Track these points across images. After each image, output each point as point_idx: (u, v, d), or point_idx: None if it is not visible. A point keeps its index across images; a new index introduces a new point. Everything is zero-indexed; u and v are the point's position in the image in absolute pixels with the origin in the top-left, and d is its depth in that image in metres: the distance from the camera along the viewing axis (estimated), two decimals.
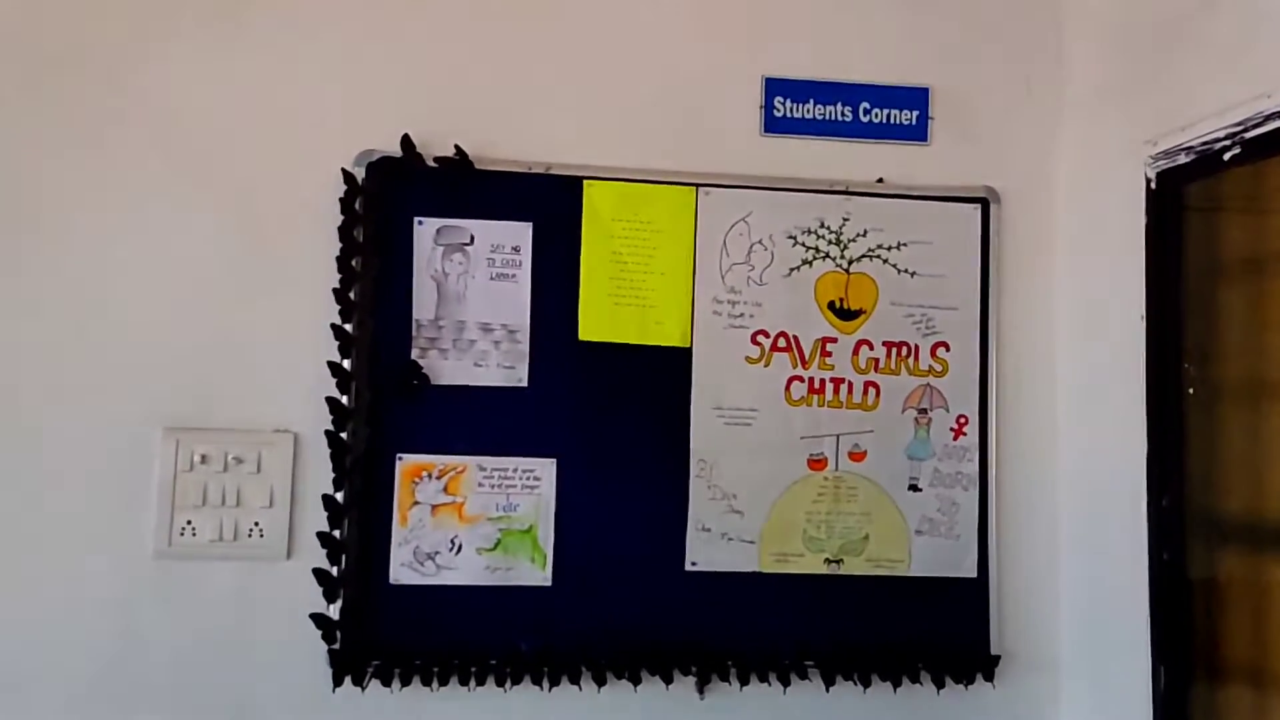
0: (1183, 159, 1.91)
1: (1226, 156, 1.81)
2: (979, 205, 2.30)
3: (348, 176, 2.10)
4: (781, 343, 2.22)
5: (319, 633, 2.03)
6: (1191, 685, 1.92)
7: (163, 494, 2.02)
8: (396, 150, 2.12)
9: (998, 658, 2.22)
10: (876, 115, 2.29)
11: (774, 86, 2.26)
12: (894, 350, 2.25)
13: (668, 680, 2.13)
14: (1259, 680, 1.80)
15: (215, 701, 2.02)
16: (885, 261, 2.27)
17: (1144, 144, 2.00)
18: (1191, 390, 1.93)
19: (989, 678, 2.21)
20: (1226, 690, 1.86)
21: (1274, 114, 1.69)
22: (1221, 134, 1.80)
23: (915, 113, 2.30)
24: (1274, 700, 1.76)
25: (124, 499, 2.01)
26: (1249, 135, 1.75)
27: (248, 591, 2.04)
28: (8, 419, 1.99)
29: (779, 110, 2.27)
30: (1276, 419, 1.78)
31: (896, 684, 2.19)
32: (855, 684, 2.19)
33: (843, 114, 2.28)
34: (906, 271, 2.27)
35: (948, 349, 2.27)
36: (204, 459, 2.04)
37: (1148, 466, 1.98)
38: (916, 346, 2.26)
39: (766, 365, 2.22)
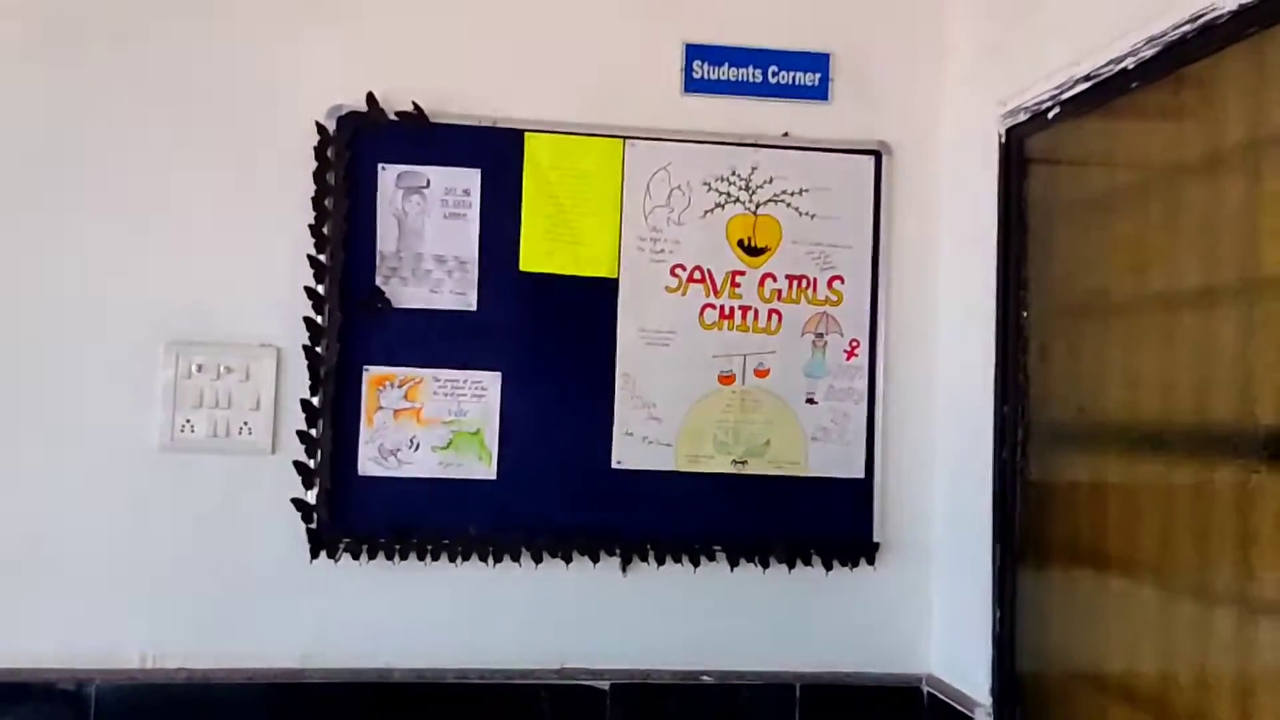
0: (1023, 117, 2.26)
1: (1050, 115, 2.16)
2: (873, 157, 2.64)
3: (320, 128, 2.45)
4: (697, 275, 2.58)
5: (299, 515, 2.42)
6: (1020, 563, 2.29)
7: (166, 398, 2.39)
8: (363, 106, 2.47)
9: (878, 544, 2.60)
10: (783, 77, 2.62)
11: (693, 51, 2.60)
12: (795, 282, 2.61)
13: (595, 560, 2.52)
14: (1075, 558, 2.17)
15: (211, 571, 2.40)
16: (788, 205, 2.62)
17: (997, 105, 2.34)
18: (1026, 314, 2.28)
19: (870, 561, 2.59)
20: (1049, 567, 2.23)
21: (1083, 78, 2.03)
22: (1046, 96, 2.15)
23: (817, 75, 2.64)
24: (1084, 573, 2.13)
25: (134, 402, 2.39)
26: (1064, 97, 2.09)
27: (238, 480, 2.42)
28: (40, 336, 2.37)
29: (697, 73, 2.61)
30: (1096, 338, 2.13)
31: (791, 566, 2.57)
32: (756, 565, 2.57)
33: (753, 76, 2.62)
34: (807, 214, 2.62)
35: (843, 282, 2.63)
36: (200, 368, 2.41)
37: (993, 380, 2.35)
38: (815, 279, 2.62)
39: (684, 294, 2.58)
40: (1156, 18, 1.82)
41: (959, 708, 2.43)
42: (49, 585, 2.35)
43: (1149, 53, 1.86)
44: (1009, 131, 2.32)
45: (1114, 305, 2.01)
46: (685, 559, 2.54)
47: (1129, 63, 1.91)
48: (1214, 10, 1.70)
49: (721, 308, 2.59)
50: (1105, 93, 1.99)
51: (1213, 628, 1.72)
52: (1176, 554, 1.82)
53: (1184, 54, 1.78)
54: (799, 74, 2.63)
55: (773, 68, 2.62)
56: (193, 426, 2.41)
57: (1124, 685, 1.97)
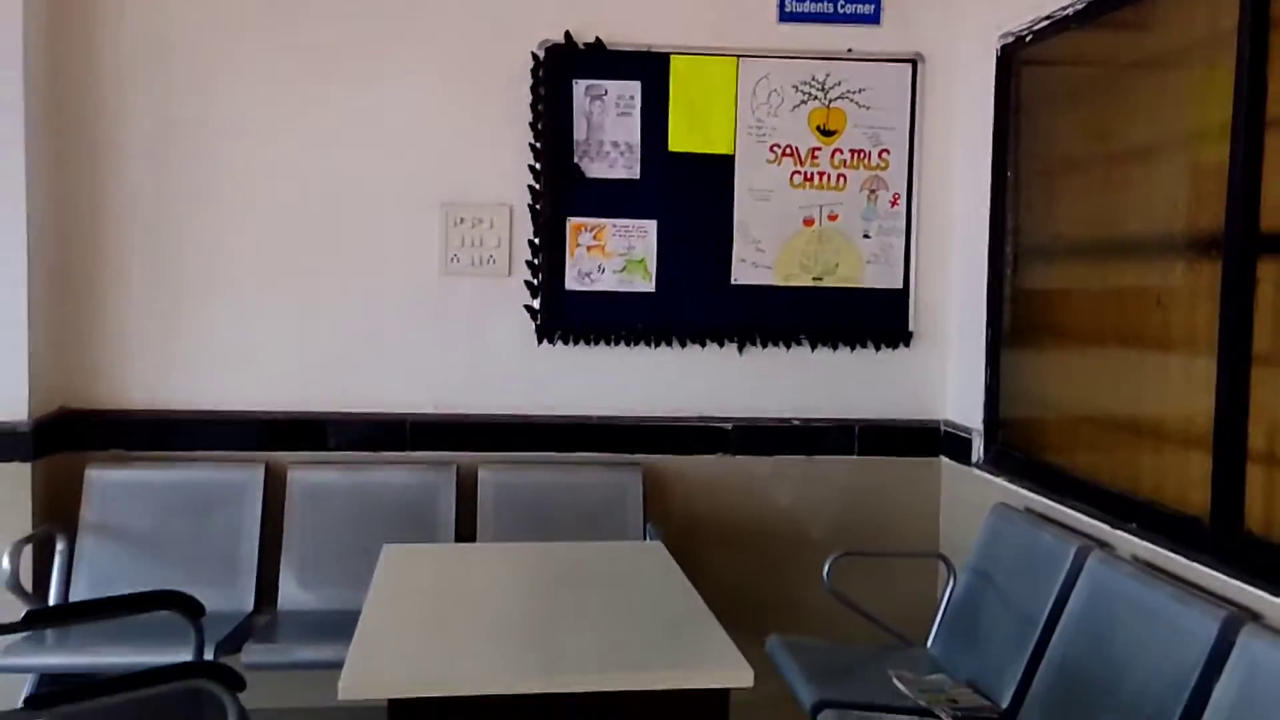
0: (1010, 40, 3.38)
1: (1027, 40, 3.28)
2: (910, 64, 3.78)
3: (534, 56, 3.65)
4: (788, 151, 3.77)
5: (528, 315, 3.71)
6: (1003, 344, 3.51)
7: (443, 240, 3.67)
8: (562, 40, 3.65)
9: (912, 333, 3.83)
10: (847, 8, 3.75)
11: None
12: (855, 154, 3.79)
13: (720, 345, 3.79)
14: (1038, 339, 3.38)
15: (475, 350, 3.71)
16: (852, 100, 3.77)
17: (995, 28, 3.46)
18: (1010, 174, 3.45)
19: (907, 345, 3.83)
20: (1023, 346, 3.45)
21: (1047, 16, 3.15)
22: (1023, 26, 3.27)
23: (872, 6, 3.75)
24: (1043, 349, 3.34)
25: (422, 243, 3.67)
26: (1035, 28, 3.22)
27: (489, 293, 3.71)
28: (363, 200, 3.64)
29: (788, 7, 3.74)
30: (1063, 190, 3.29)
31: (852, 348, 3.82)
32: (828, 348, 3.82)
33: (826, 7, 3.74)
34: (864, 107, 3.78)
35: (889, 153, 3.80)
36: (462, 220, 3.68)
37: (988, 220, 3.53)
38: (869, 152, 3.79)
39: (779, 165, 3.77)
40: None
41: (963, 436, 3.69)
42: (377, 360, 3.69)
43: (1077, 7, 2.98)
44: (1002, 48, 3.45)
45: (1074, 164, 3.18)
46: (780, 344, 3.80)
47: (1065, 9, 3.04)
48: None
49: (805, 173, 3.78)
50: (1068, 23, 3.11)
51: (1148, 379, 2.95)
52: (1104, 329, 3.05)
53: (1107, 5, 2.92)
54: (858, 5, 3.75)
55: (842, 2, 3.75)
56: (458, 258, 3.69)
57: (1072, 419, 3.22)
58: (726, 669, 1.89)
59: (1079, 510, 2.93)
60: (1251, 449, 2.36)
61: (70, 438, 3.54)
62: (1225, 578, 2.33)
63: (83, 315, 3.58)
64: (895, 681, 2.89)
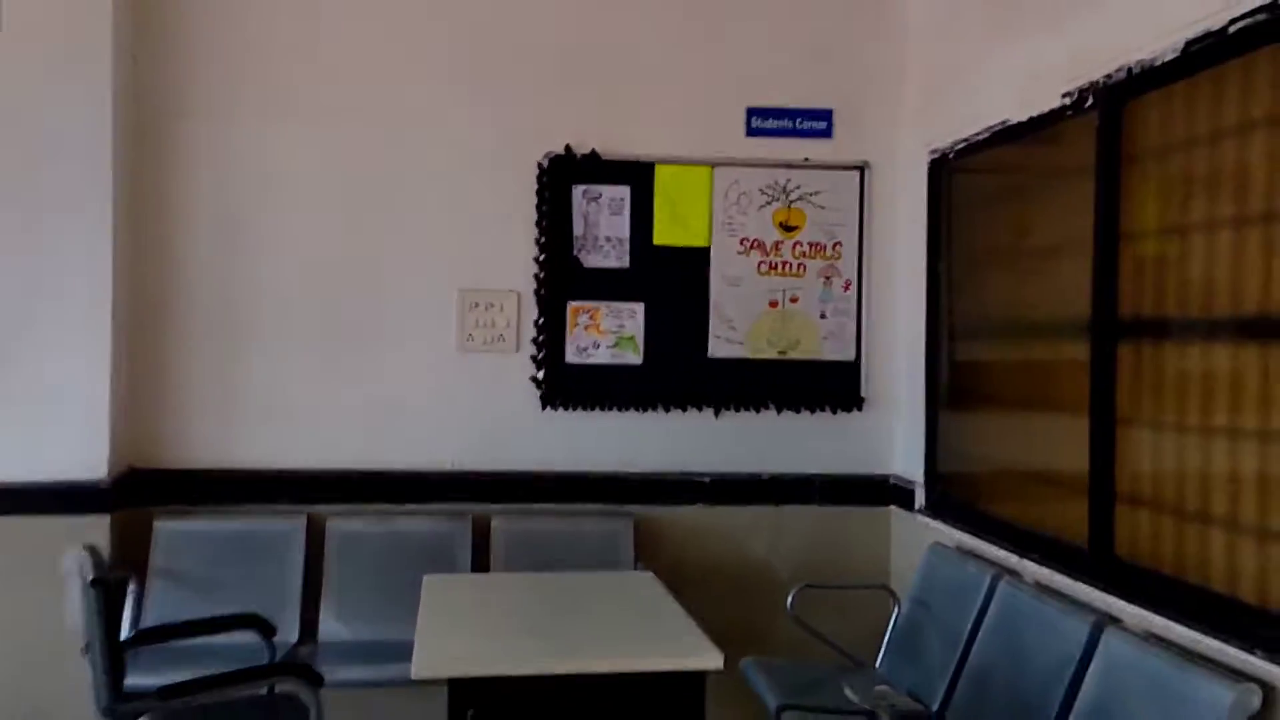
0: (938, 153, 4.07)
1: (950, 155, 3.97)
2: (859, 171, 4.46)
3: (539, 165, 4.31)
4: (755, 244, 4.42)
5: (534, 386, 4.33)
6: (940, 408, 4.14)
7: (460, 321, 4.29)
8: (563, 151, 4.32)
9: (864, 398, 4.46)
10: (805, 125, 4.43)
11: (751, 111, 4.41)
12: (813, 246, 4.44)
13: (700, 409, 4.40)
14: (970, 405, 4.01)
15: (488, 417, 4.32)
16: (810, 201, 4.44)
17: (926, 145, 4.15)
18: (943, 264, 4.11)
19: (860, 409, 4.46)
20: (958, 410, 4.08)
21: (965, 139, 3.83)
22: (947, 145, 3.96)
23: (825, 122, 4.44)
24: (974, 413, 3.97)
25: (441, 324, 4.29)
26: (957, 148, 3.90)
27: (499, 366, 4.32)
28: (388, 288, 4.27)
29: (754, 124, 4.42)
30: (986, 278, 3.94)
31: (813, 411, 4.45)
32: (792, 411, 4.44)
33: (787, 124, 4.42)
34: (820, 207, 4.44)
35: (842, 245, 4.46)
36: (476, 304, 4.31)
37: (925, 302, 4.18)
38: (825, 244, 4.45)
39: (748, 255, 4.42)
40: (985, 119, 3.63)
41: (907, 487, 4.30)
42: (403, 424, 4.29)
43: (986, 135, 3.67)
44: (931, 161, 4.13)
45: (994, 256, 3.83)
46: (751, 408, 4.42)
47: (983, 135, 3.72)
48: (1048, 108, 3.50)
49: (770, 263, 4.43)
50: (981, 145, 3.79)
51: (1048, 437, 3.58)
52: (1017, 396, 3.69)
53: (1014, 134, 3.59)
54: (814, 122, 4.44)
55: (799, 119, 4.43)
56: (473, 337, 4.31)
57: (993, 472, 3.85)
58: (702, 656, 2.46)
59: (996, 545, 3.54)
60: (1119, 492, 2.98)
61: (139, 494, 4.11)
62: (1098, 592, 2.93)
63: (148, 387, 4.17)
64: (847, 691, 3.46)
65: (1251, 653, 2.33)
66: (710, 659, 2.42)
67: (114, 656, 2.56)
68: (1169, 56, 2.71)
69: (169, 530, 4.08)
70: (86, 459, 3.91)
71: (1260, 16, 2.37)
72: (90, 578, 2.60)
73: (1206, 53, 2.60)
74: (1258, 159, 2.52)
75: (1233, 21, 2.46)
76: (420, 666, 2.41)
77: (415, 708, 3.82)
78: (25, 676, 3.85)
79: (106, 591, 2.58)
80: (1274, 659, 2.28)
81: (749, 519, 4.40)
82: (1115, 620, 2.80)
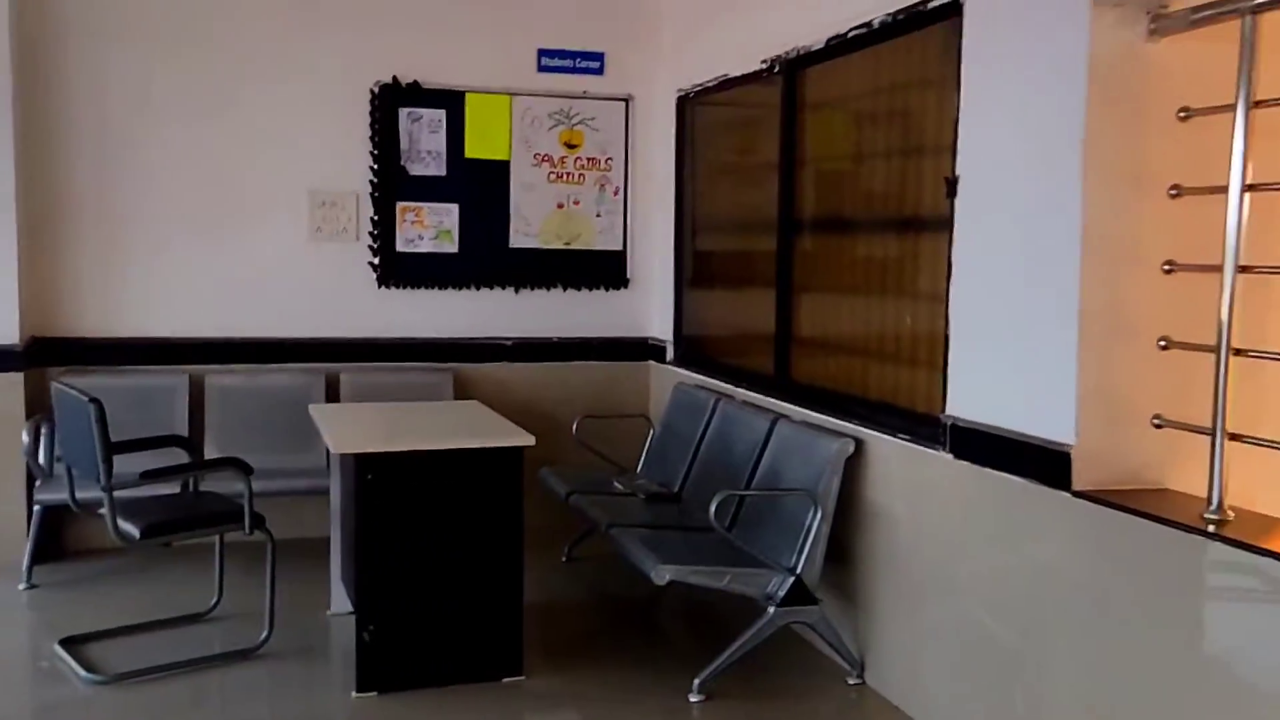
0: (684, 92, 5.40)
1: (692, 95, 5.31)
2: (624, 102, 5.74)
3: (372, 91, 5.37)
4: (546, 158, 5.65)
5: (371, 269, 5.45)
6: (684, 286, 5.56)
7: (310, 216, 5.34)
8: (391, 81, 5.38)
9: (629, 279, 5.83)
10: (583, 64, 5.66)
11: (542, 52, 5.60)
12: (591, 161, 5.72)
13: (503, 288, 5.65)
14: (705, 282, 5.44)
15: (333, 293, 5.41)
16: (588, 125, 5.70)
17: (674, 85, 5.48)
18: (688, 175, 5.48)
19: (626, 287, 5.83)
20: (697, 287, 5.50)
21: (699, 84, 5.17)
22: (689, 87, 5.30)
23: (598, 63, 5.68)
24: (708, 288, 5.40)
25: (296, 218, 5.32)
26: (694, 90, 5.25)
27: (343, 254, 5.41)
28: (247, 184, 5.27)
29: (544, 62, 5.61)
30: (718, 187, 5.33)
31: (591, 289, 5.77)
32: (575, 289, 5.76)
33: (569, 63, 5.64)
34: (596, 130, 5.71)
35: (613, 160, 5.75)
36: (324, 203, 5.36)
37: (673, 202, 5.55)
38: (599, 159, 5.73)
39: (540, 167, 5.65)
40: (721, 68, 4.98)
41: (661, 345, 5.73)
42: (266, 300, 5.33)
43: (714, 83, 5.02)
44: (679, 98, 5.47)
45: (724, 170, 5.22)
46: (544, 287, 5.71)
47: (713, 83, 5.07)
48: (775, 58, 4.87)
49: (557, 173, 5.68)
50: (713, 89, 5.14)
51: (753, 304, 5.04)
52: (738, 276, 5.13)
53: (733, 84, 4.96)
54: (590, 62, 5.68)
55: (578, 59, 5.66)
56: (321, 229, 5.37)
57: (720, 331, 5.31)
58: (520, 437, 3.77)
59: (721, 380, 5.01)
60: (794, 335, 4.47)
61: (44, 357, 5.00)
62: (779, 401, 4.42)
63: (48, 270, 5.03)
64: (615, 483, 4.87)
65: (852, 421, 3.86)
66: (524, 439, 3.72)
67: (107, 449, 3.59)
68: (819, 46, 4.12)
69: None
70: (2, 328, 4.79)
71: (862, 30, 3.79)
72: (88, 398, 3.62)
73: (839, 46, 4.01)
74: (876, 114, 3.99)
75: (851, 29, 3.87)
76: (336, 447, 3.62)
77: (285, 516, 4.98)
78: None
79: (99, 409, 3.60)
80: (862, 424, 3.80)
81: (543, 373, 5.72)
82: (785, 416, 4.29)
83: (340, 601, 4.21)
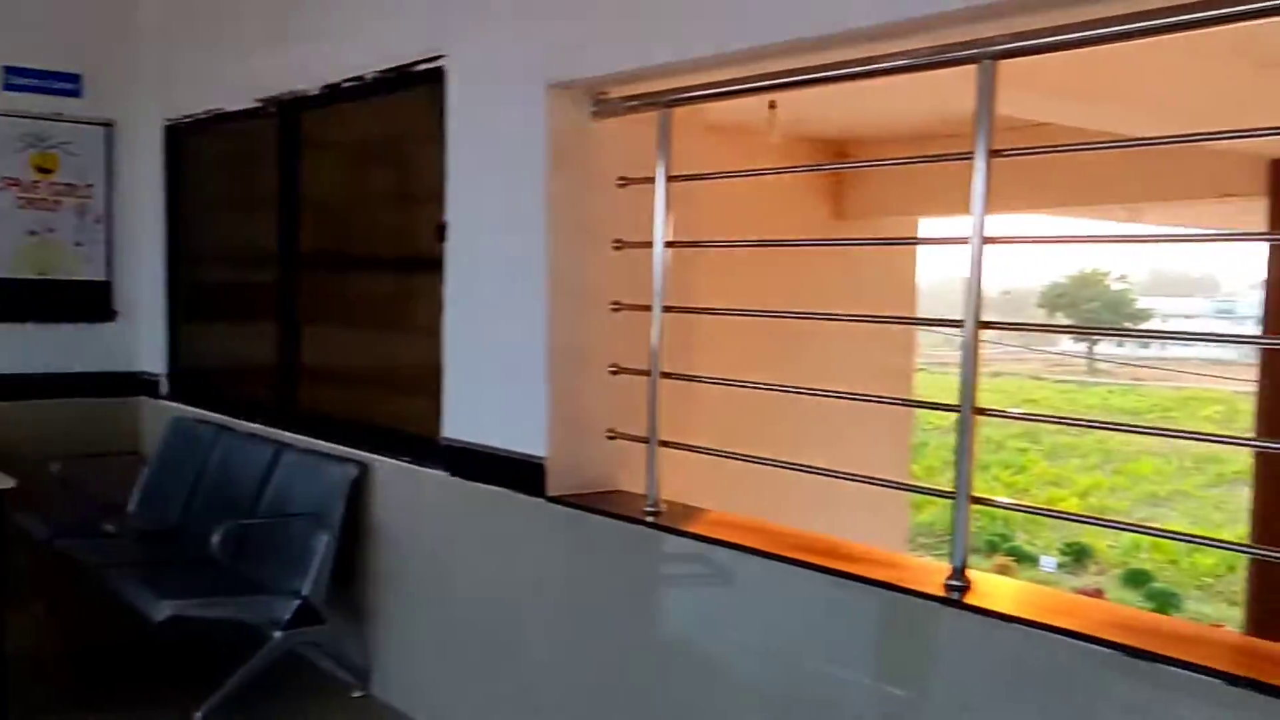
0: (173, 123, 5.32)
1: (183, 126, 5.26)
2: (105, 127, 5.51)
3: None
4: (13, 183, 5.26)
5: None
6: (178, 321, 5.45)
7: None
8: None
9: (117, 311, 5.58)
10: (56, 86, 5.35)
11: (10, 70, 5.21)
12: (69, 185, 5.41)
13: None
14: (198, 316, 5.37)
15: None
16: (64, 149, 5.39)
17: (163, 115, 5.37)
18: (181, 205, 5.39)
19: (112, 318, 5.57)
20: (190, 322, 5.42)
21: (189, 115, 5.14)
22: (179, 117, 5.24)
23: (75, 85, 5.41)
24: (210, 323, 5.34)
25: None
26: (187, 120, 5.20)
27: None
28: None
29: (12, 80, 5.23)
30: (213, 219, 5.28)
31: (74, 321, 5.45)
32: (50, 322, 5.40)
33: (41, 83, 5.30)
34: (74, 154, 5.42)
35: (94, 187, 5.49)
36: None
37: (165, 236, 5.44)
38: (79, 184, 5.44)
39: (5, 191, 5.24)
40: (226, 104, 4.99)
41: (153, 379, 5.55)
42: None
43: (206, 116, 5.02)
44: (167, 127, 5.38)
45: (226, 201, 5.20)
46: (17, 320, 5.29)
47: (204, 116, 5.06)
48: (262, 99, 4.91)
49: (29, 199, 5.31)
50: (206, 123, 5.12)
51: (255, 337, 5.06)
52: (234, 308, 5.14)
53: (227, 119, 4.98)
54: (65, 84, 5.38)
55: (52, 80, 5.34)
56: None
57: (221, 364, 5.28)
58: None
59: (222, 413, 5.00)
60: (300, 366, 4.62)
61: None
62: (284, 431, 4.54)
63: None
64: (104, 524, 4.68)
65: (357, 448, 4.11)
66: (1, 482, 3.54)
67: None
68: (314, 92, 4.33)
69: None
70: None
71: (355, 83, 4.08)
72: None
73: (332, 96, 4.26)
74: (376, 159, 4.29)
75: (344, 80, 4.14)
76: None
77: None
78: None
79: None
80: (369, 450, 4.07)
81: (19, 411, 5.28)
82: (291, 445, 4.43)
83: None
